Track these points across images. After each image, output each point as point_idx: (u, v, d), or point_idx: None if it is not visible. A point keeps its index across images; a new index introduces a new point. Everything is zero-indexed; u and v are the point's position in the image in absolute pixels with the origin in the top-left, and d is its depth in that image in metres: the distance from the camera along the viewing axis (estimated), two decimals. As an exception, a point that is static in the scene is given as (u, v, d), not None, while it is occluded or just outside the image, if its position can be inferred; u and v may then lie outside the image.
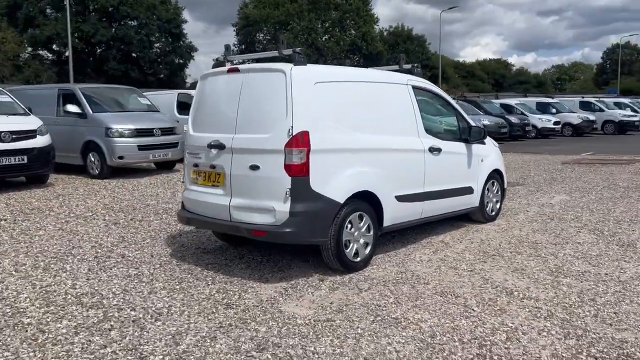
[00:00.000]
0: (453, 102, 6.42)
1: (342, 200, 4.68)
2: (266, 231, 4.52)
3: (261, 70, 4.74)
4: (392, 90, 5.47)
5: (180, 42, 45.16)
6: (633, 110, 30.19)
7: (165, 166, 12.49)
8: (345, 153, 4.80)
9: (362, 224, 4.91)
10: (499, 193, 7.04)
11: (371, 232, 5.00)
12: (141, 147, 11.28)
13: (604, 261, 5.03)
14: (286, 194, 4.45)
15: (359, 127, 4.96)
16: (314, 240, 4.62)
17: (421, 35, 60.18)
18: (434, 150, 5.71)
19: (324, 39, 48.71)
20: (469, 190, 6.34)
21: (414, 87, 5.70)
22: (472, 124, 6.51)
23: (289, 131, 4.42)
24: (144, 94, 13.71)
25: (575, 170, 11.53)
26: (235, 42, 51.55)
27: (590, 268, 4.83)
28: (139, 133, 11.30)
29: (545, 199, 8.39)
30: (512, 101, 26.59)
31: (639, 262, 4.96)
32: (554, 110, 26.44)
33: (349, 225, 4.79)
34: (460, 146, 6.21)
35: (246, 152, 4.65)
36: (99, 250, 5.65)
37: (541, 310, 3.89)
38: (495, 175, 6.87)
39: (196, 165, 5.15)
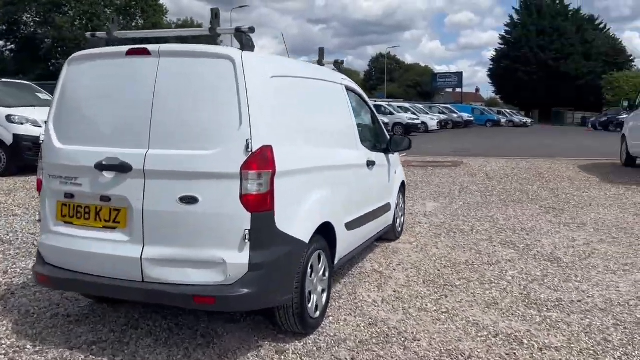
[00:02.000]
0: (372, 107, 5.56)
1: (308, 239, 3.42)
2: (214, 296, 3.02)
3: (192, 54, 3.18)
4: (333, 91, 4.36)
5: None
6: (413, 113, 33.64)
7: None
8: (309, 174, 3.55)
9: (320, 265, 3.71)
10: (403, 206, 6.44)
11: (327, 275, 3.83)
12: None
13: (558, 284, 4.68)
14: (244, 238, 3.02)
15: (314, 139, 3.75)
16: (279, 300, 3.27)
17: (211, 31, 58.64)
18: (369, 164, 4.77)
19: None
20: (388, 208, 5.54)
21: (347, 88, 4.67)
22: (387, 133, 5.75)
23: (247, 146, 3.00)
24: None
25: (416, 174, 11.74)
26: (-6, 22, 43.35)
27: (556, 295, 4.41)
28: None
29: (420, 207, 8.12)
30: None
31: (590, 282, 4.72)
32: (353, 113, 27.75)
33: (310, 271, 3.55)
34: (383, 158, 5.37)
35: (172, 177, 3.07)
36: None
37: (578, 365, 3.25)
38: (401, 188, 6.23)
39: (70, 195, 3.32)
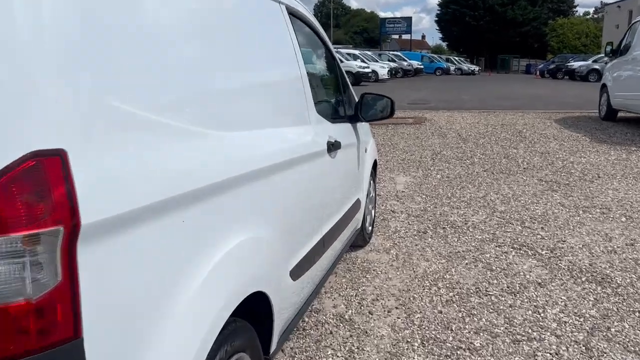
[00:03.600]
0: (332, 48, 3.48)
1: (198, 367, 1.43)
2: None
3: None
4: (262, 13, 2.27)
5: None
6: (363, 61, 31.50)
7: None
8: (195, 205, 1.50)
9: (236, 387, 1.74)
10: (374, 195, 4.53)
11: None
12: None
13: (635, 338, 2.95)
14: None
15: (214, 115, 1.69)
16: None
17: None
18: (331, 147, 2.77)
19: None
20: (358, 206, 3.60)
21: (289, 12, 2.58)
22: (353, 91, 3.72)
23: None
24: None
25: (376, 134, 9.84)
26: None
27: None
28: None
29: (389, 184, 6.26)
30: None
31: (680, 328, 3.01)
32: (299, 60, 25.39)
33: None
34: (350, 131, 3.38)
35: None
36: None
37: None
38: (373, 171, 4.31)
39: None
